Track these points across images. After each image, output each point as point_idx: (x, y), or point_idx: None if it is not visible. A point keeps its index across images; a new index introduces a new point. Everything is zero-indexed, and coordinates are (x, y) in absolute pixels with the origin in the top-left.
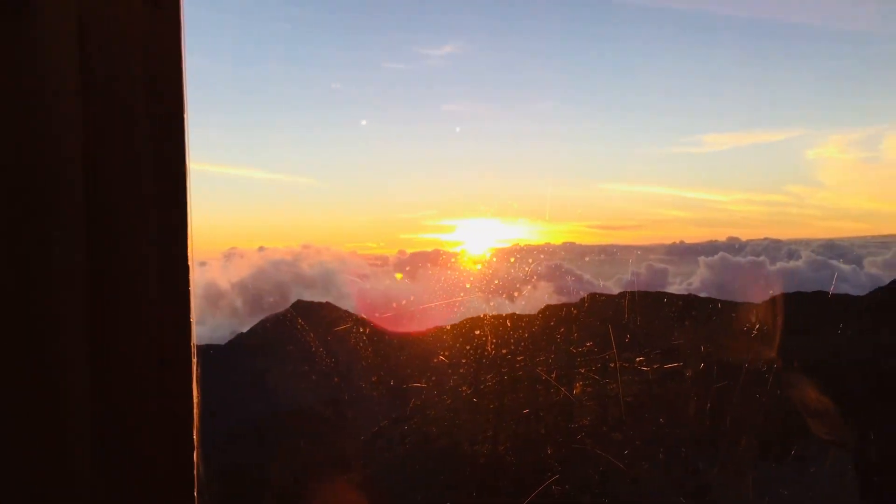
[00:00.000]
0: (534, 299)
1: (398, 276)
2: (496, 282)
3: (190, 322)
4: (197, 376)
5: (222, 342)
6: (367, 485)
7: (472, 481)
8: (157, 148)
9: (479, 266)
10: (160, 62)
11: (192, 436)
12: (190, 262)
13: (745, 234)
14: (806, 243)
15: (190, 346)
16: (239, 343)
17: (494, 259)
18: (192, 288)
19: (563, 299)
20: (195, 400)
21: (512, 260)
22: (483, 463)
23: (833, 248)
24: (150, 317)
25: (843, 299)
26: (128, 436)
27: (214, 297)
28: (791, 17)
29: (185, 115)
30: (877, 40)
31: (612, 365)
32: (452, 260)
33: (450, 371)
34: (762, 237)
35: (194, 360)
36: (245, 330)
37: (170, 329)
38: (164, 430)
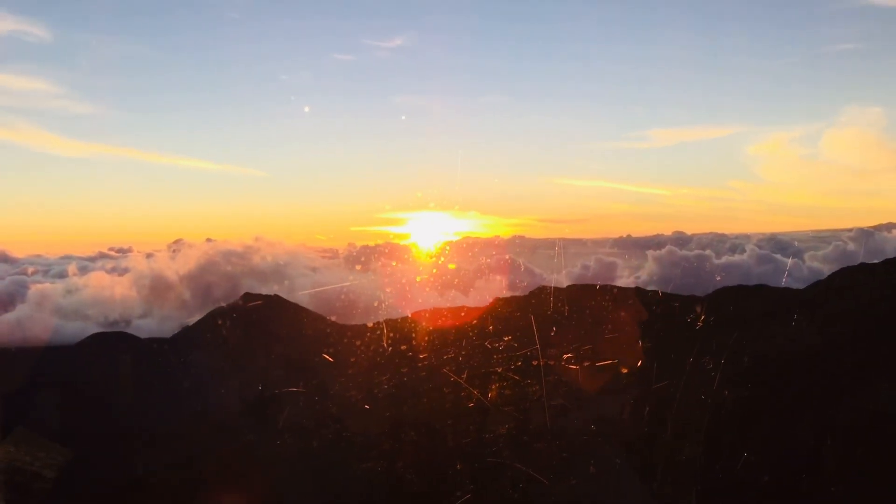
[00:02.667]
0: (485, 292)
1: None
2: (446, 275)
3: None
4: None
5: (168, 335)
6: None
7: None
8: None
9: (430, 259)
10: None
11: None
12: None
13: (690, 228)
14: (749, 237)
15: None
16: (183, 336)
17: (445, 252)
18: None
19: (514, 292)
20: None
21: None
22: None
23: (775, 242)
24: None
25: (785, 292)
26: None
27: (162, 288)
28: (736, 17)
29: None
30: (817, 41)
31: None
32: (402, 252)
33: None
34: (707, 231)
35: None
36: (193, 322)
37: None
38: None
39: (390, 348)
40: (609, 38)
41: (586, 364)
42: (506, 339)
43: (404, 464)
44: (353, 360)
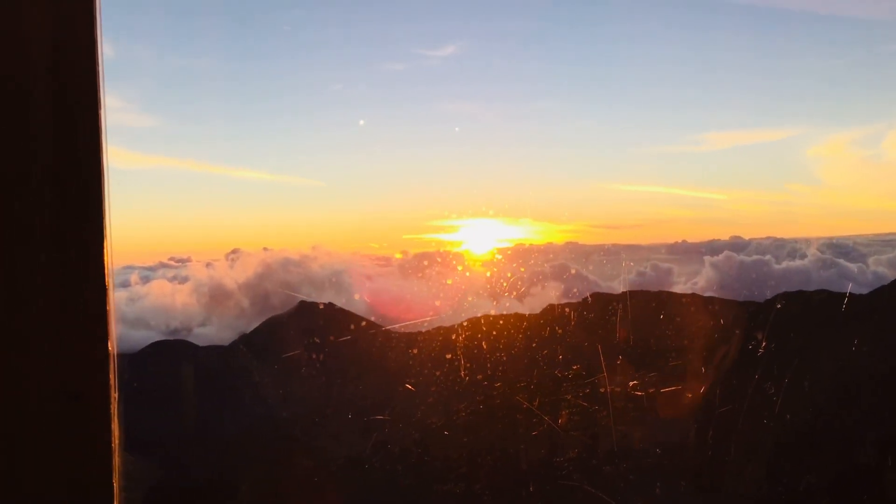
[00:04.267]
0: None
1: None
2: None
3: (108, 351)
4: (117, 413)
5: (226, 343)
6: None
7: None
8: (62, 151)
9: (483, 266)
10: (70, 56)
11: (112, 483)
12: (108, 281)
13: (747, 233)
14: (809, 242)
15: (108, 380)
16: (241, 344)
17: (498, 259)
18: (110, 310)
19: (568, 299)
20: (115, 441)
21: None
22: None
23: (837, 247)
24: (59, 346)
25: (848, 298)
26: (35, 485)
27: (220, 297)
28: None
29: (101, 117)
30: (877, 38)
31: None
32: (456, 260)
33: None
34: (765, 236)
35: (114, 396)
36: (250, 330)
37: (84, 360)
38: (79, 478)
39: (467, 378)
40: (662, 41)
41: (651, 391)
42: (574, 367)
43: (481, 486)
44: (433, 388)
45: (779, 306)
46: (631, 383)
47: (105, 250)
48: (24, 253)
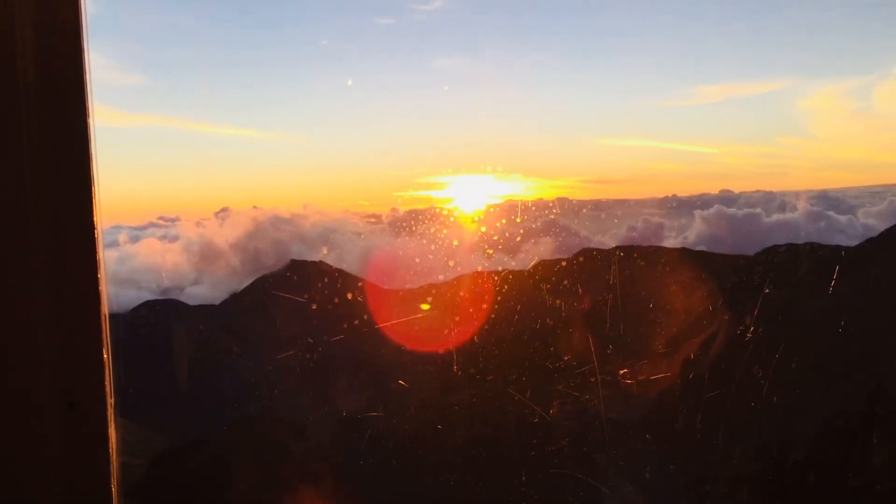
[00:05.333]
0: (531, 255)
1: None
2: (494, 237)
3: (103, 358)
4: (114, 419)
5: (217, 302)
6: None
7: None
8: (54, 145)
9: (474, 223)
10: (55, 44)
11: (111, 488)
12: (102, 288)
13: (737, 187)
14: (798, 195)
15: (105, 387)
16: (231, 303)
17: (489, 214)
18: (105, 316)
19: (559, 255)
20: (113, 447)
21: (518, 219)
22: None
23: (826, 199)
24: (55, 354)
25: (836, 250)
26: (34, 493)
27: (211, 255)
28: None
29: (89, 117)
30: None
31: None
32: (446, 216)
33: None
34: (754, 189)
35: (111, 402)
36: (241, 289)
37: (80, 367)
38: (78, 484)
39: (460, 372)
40: None
41: (641, 378)
42: (565, 358)
43: (475, 476)
44: (426, 384)
45: (767, 260)
46: (621, 371)
47: (98, 259)
48: (16, 261)
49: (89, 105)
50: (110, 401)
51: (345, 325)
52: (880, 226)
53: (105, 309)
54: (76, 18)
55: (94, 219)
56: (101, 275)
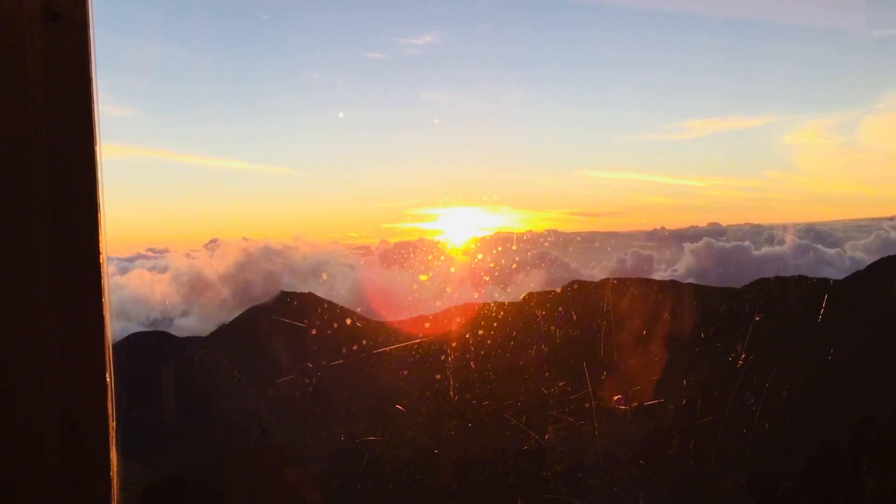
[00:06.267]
0: (521, 286)
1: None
2: (480, 270)
3: (106, 381)
4: (116, 441)
5: (205, 334)
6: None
7: None
8: (60, 173)
9: (464, 255)
10: (64, 76)
11: None
12: (106, 311)
13: (724, 220)
14: (786, 228)
15: (107, 410)
16: (220, 335)
17: (478, 247)
18: (108, 339)
19: (549, 287)
20: (114, 471)
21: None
22: None
23: (814, 233)
24: (57, 375)
25: (824, 283)
26: None
27: (201, 287)
28: (765, 7)
29: (96, 144)
30: (851, 28)
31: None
32: (436, 249)
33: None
34: (743, 222)
35: (112, 425)
36: (230, 321)
37: (82, 389)
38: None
39: (456, 397)
40: (640, 28)
41: (635, 404)
42: (560, 384)
43: (471, 502)
44: (423, 409)
45: (756, 292)
46: (615, 397)
47: (103, 281)
48: (23, 282)
49: (97, 137)
50: (112, 424)
51: (334, 356)
52: (867, 259)
53: (109, 333)
54: (85, 53)
55: (100, 246)
56: (106, 300)
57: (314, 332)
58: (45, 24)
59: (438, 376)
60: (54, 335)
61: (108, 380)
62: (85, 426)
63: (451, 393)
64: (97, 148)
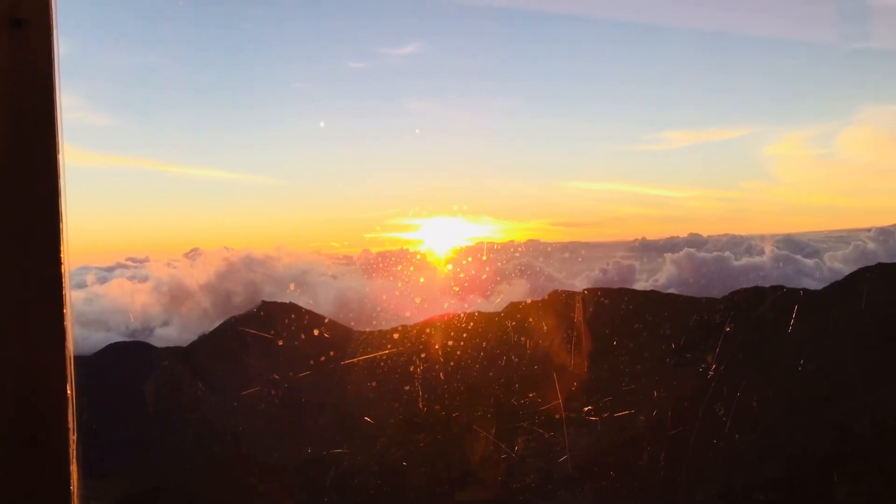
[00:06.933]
0: (503, 297)
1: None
2: (462, 280)
3: (67, 393)
4: (76, 456)
5: (185, 344)
6: None
7: None
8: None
9: (445, 265)
10: (26, 83)
11: None
12: (67, 323)
13: (704, 230)
14: (765, 239)
15: (67, 422)
16: (200, 346)
17: (460, 257)
18: (69, 351)
19: (531, 297)
20: (74, 485)
21: (484, 258)
22: None
23: (793, 244)
24: (16, 387)
25: (802, 293)
26: None
27: (181, 296)
28: (744, 20)
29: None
30: (829, 40)
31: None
32: (418, 258)
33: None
34: (722, 233)
35: (73, 438)
36: (210, 331)
37: (42, 402)
38: None
39: (425, 408)
40: (619, 41)
41: (605, 415)
42: (530, 395)
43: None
44: (391, 420)
45: (735, 302)
46: (585, 408)
47: (65, 291)
48: None
49: (60, 144)
50: (73, 437)
51: (312, 364)
52: (846, 269)
53: (70, 345)
54: (49, 59)
55: (62, 255)
56: (68, 311)
57: (282, 342)
58: (8, 30)
59: (408, 387)
60: (13, 346)
61: (69, 392)
62: (44, 438)
63: (420, 405)
64: (60, 155)
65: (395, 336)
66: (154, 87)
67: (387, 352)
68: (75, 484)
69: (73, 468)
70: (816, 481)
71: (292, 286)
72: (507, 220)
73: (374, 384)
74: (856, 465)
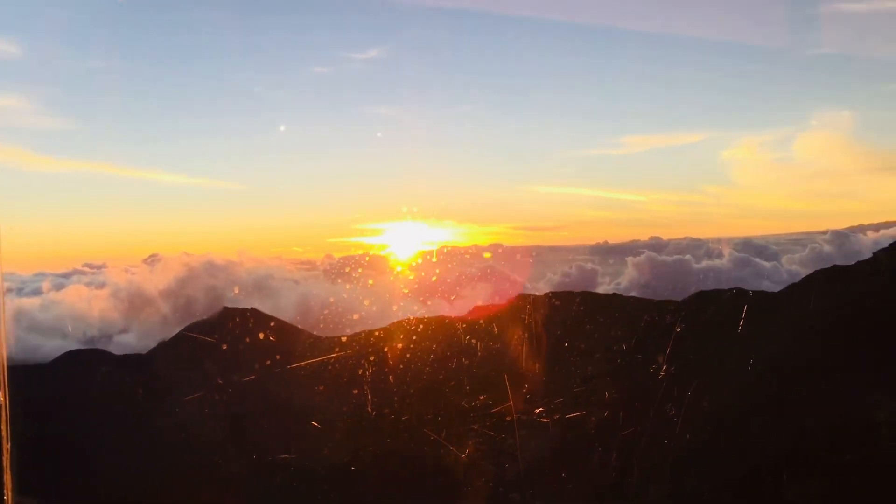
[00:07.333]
0: (466, 300)
1: (486, 255)
2: (425, 284)
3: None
4: (9, 465)
5: (144, 351)
6: None
7: None
8: None
9: (409, 269)
10: None
11: None
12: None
13: (664, 234)
14: (724, 241)
15: (0, 430)
16: (158, 353)
17: (424, 261)
18: (2, 359)
19: (495, 301)
20: (8, 494)
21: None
22: None
23: (751, 246)
24: None
25: (760, 295)
26: None
27: (140, 303)
28: (700, 27)
29: None
30: (786, 46)
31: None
32: (381, 263)
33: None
34: (682, 236)
35: (6, 447)
36: (169, 338)
37: None
38: None
39: (374, 412)
40: (582, 46)
41: (556, 417)
42: (481, 397)
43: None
44: (340, 424)
45: (694, 305)
46: (537, 410)
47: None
48: None
49: None
50: (6, 446)
51: (258, 369)
52: (803, 272)
53: (3, 352)
54: None
55: None
56: (0, 317)
57: (242, 348)
58: None
59: (356, 391)
60: None
61: (1, 398)
62: None
63: (368, 409)
64: None
65: (359, 340)
66: (113, 91)
67: (334, 356)
68: (9, 494)
69: (7, 477)
70: (767, 481)
71: (236, 290)
72: (470, 224)
73: (320, 388)
74: (807, 465)
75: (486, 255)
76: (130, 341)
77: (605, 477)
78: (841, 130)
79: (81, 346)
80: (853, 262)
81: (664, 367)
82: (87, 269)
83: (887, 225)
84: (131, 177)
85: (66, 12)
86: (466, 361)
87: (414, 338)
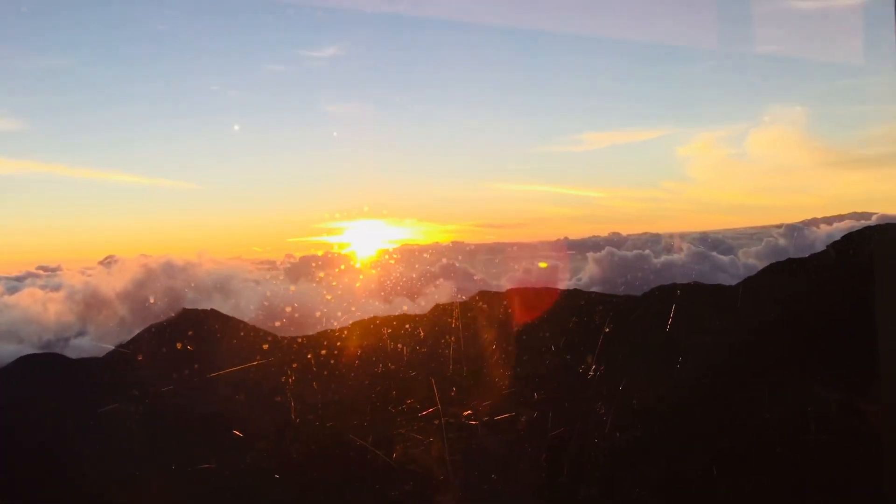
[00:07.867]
0: (428, 298)
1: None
2: (386, 283)
3: None
4: None
5: (101, 355)
6: None
7: None
8: None
9: (371, 268)
10: None
11: None
12: None
13: (625, 229)
14: (682, 236)
15: None
16: (116, 356)
17: (385, 259)
18: None
19: (456, 298)
20: None
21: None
22: None
23: (709, 241)
24: None
25: (717, 289)
26: None
27: (97, 305)
28: (653, 27)
29: None
30: (738, 44)
31: None
32: (342, 262)
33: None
34: (641, 231)
35: None
36: (127, 341)
37: None
38: None
39: (298, 419)
40: (542, 47)
41: (485, 419)
42: (408, 401)
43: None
44: (263, 432)
45: (653, 299)
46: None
47: None
48: None
49: None
50: None
51: (175, 378)
52: (759, 265)
53: None
54: None
55: None
56: None
57: (198, 349)
58: None
59: (279, 398)
60: None
61: None
62: None
63: (292, 416)
64: None
65: (320, 341)
66: (65, 90)
67: (256, 362)
68: None
69: None
70: (700, 479)
71: (188, 290)
72: (431, 223)
73: (240, 397)
74: (754, 459)
75: (447, 253)
76: (88, 345)
77: (534, 476)
78: (794, 126)
79: (37, 351)
80: (807, 255)
81: (593, 366)
82: (41, 271)
83: (840, 218)
84: (86, 177)
85: (15, 10)
86: (393, 366)
87: (372, 337)
